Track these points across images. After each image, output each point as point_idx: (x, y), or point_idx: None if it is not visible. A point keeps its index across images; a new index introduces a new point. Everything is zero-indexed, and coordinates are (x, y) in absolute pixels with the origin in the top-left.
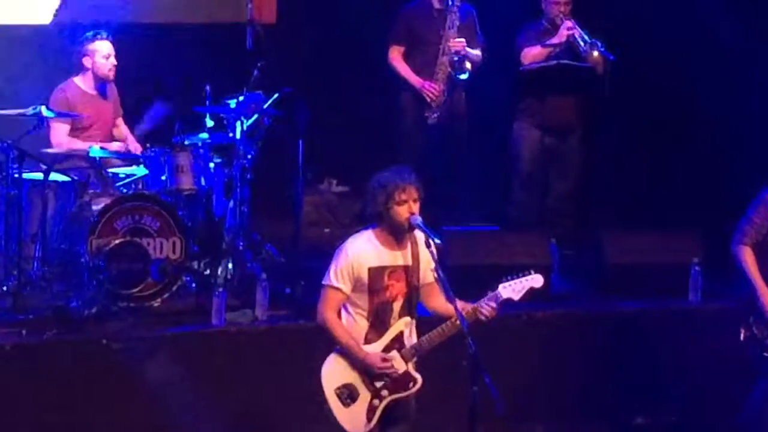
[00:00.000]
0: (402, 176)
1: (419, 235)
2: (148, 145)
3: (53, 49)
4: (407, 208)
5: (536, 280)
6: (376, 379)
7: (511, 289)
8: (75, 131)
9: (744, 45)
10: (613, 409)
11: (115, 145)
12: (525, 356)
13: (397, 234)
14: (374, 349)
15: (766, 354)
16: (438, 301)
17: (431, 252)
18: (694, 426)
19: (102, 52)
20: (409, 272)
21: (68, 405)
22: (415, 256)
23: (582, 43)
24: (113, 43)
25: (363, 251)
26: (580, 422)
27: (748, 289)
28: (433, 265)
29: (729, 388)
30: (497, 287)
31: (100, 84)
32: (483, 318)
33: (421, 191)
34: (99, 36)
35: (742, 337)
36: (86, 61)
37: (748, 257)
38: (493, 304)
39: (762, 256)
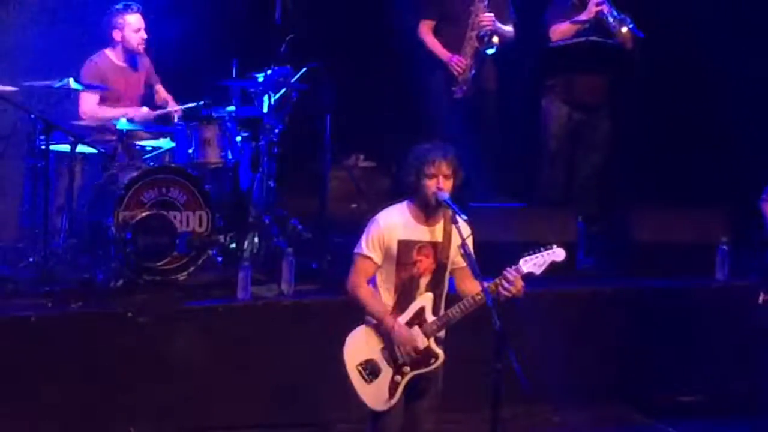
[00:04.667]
0: (435, 151)
1: (449, 211)
2: (179, 120)
3: (83, 20)
4: (435, 182)
5: (558, 254)
6: (399, 352)
7: (533, 263)
8: (104, 102)
9: None
10: (638, 388)
11: (144, 111)
12: (550, 334)
13: (427, 209)
14: (399, 320)
15: None
16: (469, 284)
17: (458, 228)
18: (720, 405)
19: (132, 26)
20: (438, 249)
21: (93, 377)
22: (447, 234)
23: (611, 19)
24: (143, 15)
25: (394, 223)
26: (603, 401)
27: None
28: (460, 242)
29: (756, 366)
30: (518, 261)
31: (130, 56)
32: (505, 291)
33: (458, 169)
34: (129, 9)
35: (760, 300)
36: (116, 35)
37: None
38: (519, 282)
39: None
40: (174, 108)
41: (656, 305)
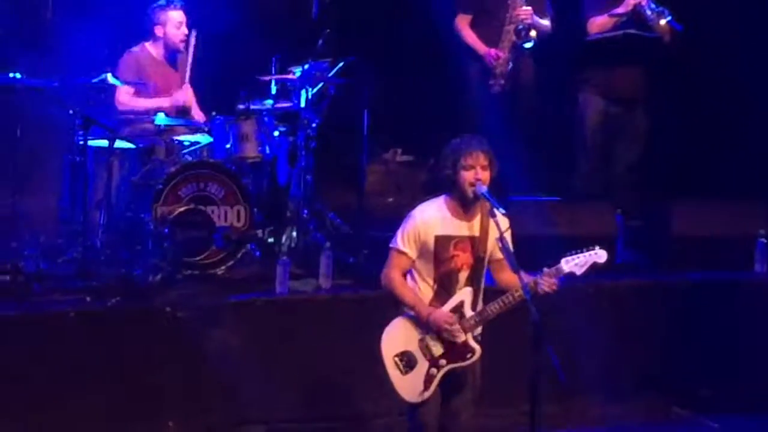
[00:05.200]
0: (472, 142)
1: (487, 204)
2: (213, 113)
3: (125, 16)
4: (473, 173)
5: (600, 256)
6: (436, 345)
7: (574, 264)
8: (140, 95)
9: None
10: (679, 381)
11: (176, 95)
12: (589, 328)
13: (465, 203)
14: (437, 312)
15: None
16: (507, 276)
17: (495, 222)
18: (759, 398)
19: (174, 22)
20: (476, 243)
21: (132, 372)
22: (484, 228)
23: (649, 12)
24: (185, 11)
25: (431, 218)
26: (644, 394)
27: None
28: (498, 236)
29: None
30: (560, 261)
31: (171, 52)
32: (542, 292)
33: (494, 161)
34: (172, 5)
35: None
36: (158, 30)
37: None
38: (554, 280)
39: None
40: (199, 116)
41: (696, 298)
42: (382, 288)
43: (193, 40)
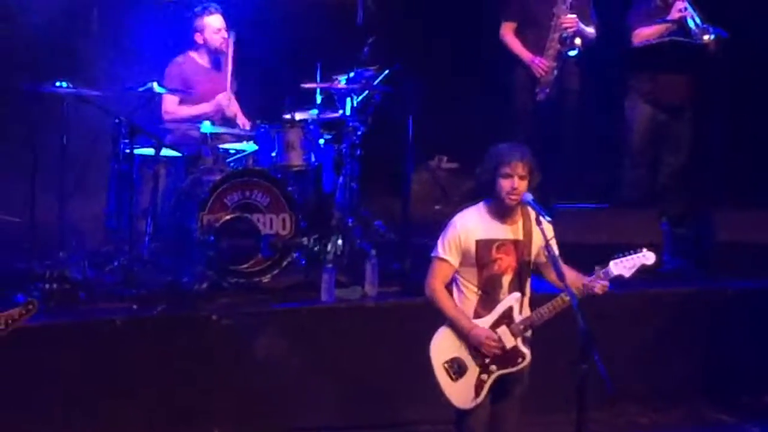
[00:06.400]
0: (512, 151)
1: (532, 212)
2: (258, 121)
3: (168, 25)
4: (510, 182)
5: (648, 258)
6: (484, 353)
7: (623, 266)
8: (186, 103)
9: None
10: (723, 389)
11: (219, 97)
12: (635, 335)
13: (505, 207)
14: (484, 323)
15: None
16: (552, 279)
17: (542, 230)
18: None
19: (212, 27)
20: (519, 247)
21: (177, 379)
22: (527, 232)
23: (693, 26)
24: (224, 15)
25: (471, 224)
26: (689, 401)
27: None
28: (544, 243)
29: None
30: (608, 263)
31: (214, 58)
32: (592, 293)
33: (535, 171)
34: (208, 11)
35: None
36: (198, 37)
37: None
38: (605, 282)
39: None
40: (243, 122)
41: (742, 306)
42: (426, 296)
43: (231, 44)
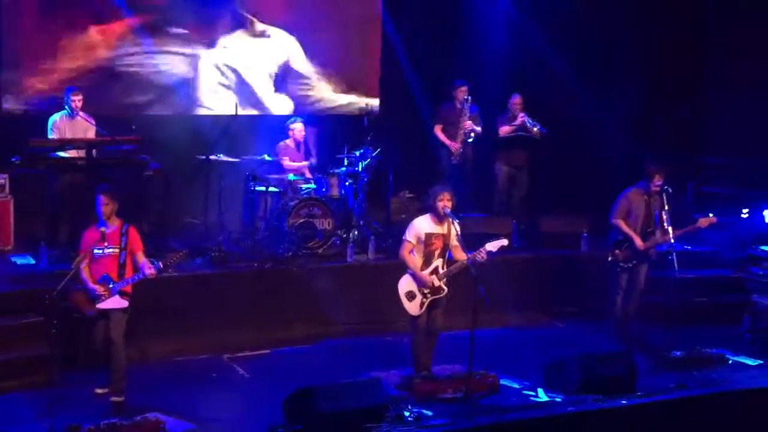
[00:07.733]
0: (444, 187)
1: (451, 219)
2: (315, 173)
3: (275, 128)
4: (443, 204)
5: (504, 242)
6: (425, 287)
7: (492, 246)
8: (288, 162)
9: None
10: (553, 304)
11: (304, 164)
12: (500, 278)
13: (439, 217)
14: (425, 272)
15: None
16: (459, 254)
17: (454, 226)
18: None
19: (297, 130)
20: (444, 237)
21: (279, 300)
22: (448, 229)
23: (529, 125)
24: (304, 122)
25: (422, 224)
26: (531, 310)
27: None
28: (455, 234)
29: None
30: (485, 244)
31: (297, 144)
32: (478, 260)
33: (453, 197)
34: (294, 120)
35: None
36: (290, 133)
37: None
38: (484, 255)
39: None
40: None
41: (562, 264)
42: (399, 259)
43: (303, 132)
